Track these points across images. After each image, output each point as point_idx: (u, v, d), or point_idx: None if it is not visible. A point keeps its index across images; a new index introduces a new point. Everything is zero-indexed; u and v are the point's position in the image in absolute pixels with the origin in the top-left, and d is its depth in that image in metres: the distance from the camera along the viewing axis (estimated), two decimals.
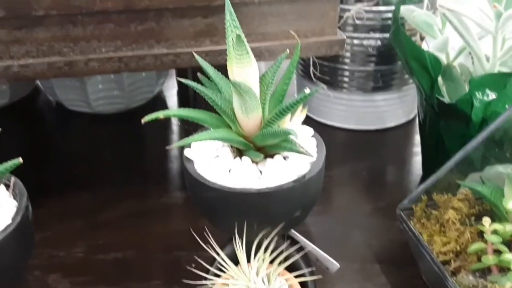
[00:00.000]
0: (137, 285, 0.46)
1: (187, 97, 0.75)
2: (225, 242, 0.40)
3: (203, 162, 0.36)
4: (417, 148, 0.66)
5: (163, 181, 0.60)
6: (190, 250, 0.49)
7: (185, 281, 0.35)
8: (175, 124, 0.71)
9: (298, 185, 0.34)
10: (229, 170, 0.36)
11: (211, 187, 0.34)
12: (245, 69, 0.33)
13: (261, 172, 0.36)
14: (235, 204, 0.35)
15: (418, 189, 0.45)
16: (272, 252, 0.35)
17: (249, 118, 0.35)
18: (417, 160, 0.64)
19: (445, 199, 0.44)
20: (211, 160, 0.36)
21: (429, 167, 0.58)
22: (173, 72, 0.82)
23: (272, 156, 0.36)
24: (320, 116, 0.71)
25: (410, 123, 0.71)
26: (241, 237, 0.35)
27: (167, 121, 0.71)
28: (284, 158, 0.36)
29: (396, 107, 0.69)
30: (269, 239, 0.35)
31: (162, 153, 0.65)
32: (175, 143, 0.34)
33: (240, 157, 0.36)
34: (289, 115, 0.36)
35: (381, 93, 0.67)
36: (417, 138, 0.68)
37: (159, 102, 0.77)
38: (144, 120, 0.34)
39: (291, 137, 0.33)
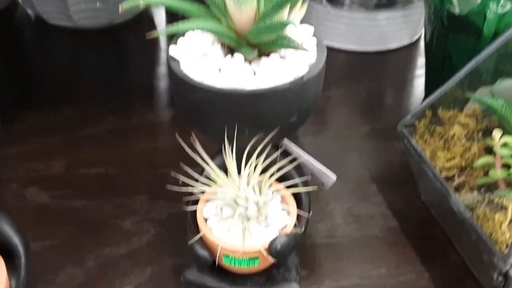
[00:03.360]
0: (121, 200, 0.44)
1: (176, 13, 0.69)
2: (214, 154, 0.37)
3: (190, 61, 0.33)
4: (420, 71, 0.62)
5: (149, 98, 0.57)
6: (177, 167, 0.46)
7: (170, 187, 0.32)
8: (163, 41, 0.66)
9: (295, 87, 0.31)
10: (219, 69, 0.32)
11: (198, 88, 0.31)
12: None
13: (255, 72, 0.32)
14: (225, 106, 0.31)
15: (422, 104, 0.42)
16: (264, 161, 0.32)
17: (242, 11, 0.31)
18: (419, 83, 0.60)
19: (450, 115, 0.42)
20: (199, 58, 0.33)
21: (432, 90, 0.55)
22: None
23: (267, 55, 0.32)
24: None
25: (413, 45, 0.67)
26: (231, 144, 0.32)
27: (154, 38, 0.67)
28: (281, 57, 0.32)
29: (399, 27, 0.65)
30: (261, 145, 0.32)
31: (148, 70, 0.61)
32: (157, 32, 0.30)
33: (232, 55, 0.32)
34: (287, 11, 0.32)
35: (384, 11, 0.63)
36: (420, 61, 0.64)
37: (146, 19, 0.71)
38: (122, 7, 0.30)
39: (289, 30, 0.29)
